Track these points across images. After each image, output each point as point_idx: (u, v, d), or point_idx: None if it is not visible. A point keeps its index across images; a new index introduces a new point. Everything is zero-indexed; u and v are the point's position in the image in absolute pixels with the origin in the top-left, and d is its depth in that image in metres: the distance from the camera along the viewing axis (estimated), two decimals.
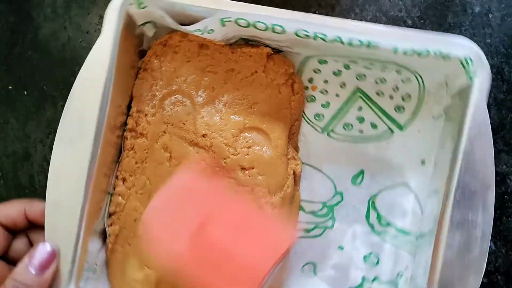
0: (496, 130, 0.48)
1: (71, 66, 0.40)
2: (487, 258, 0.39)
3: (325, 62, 0.46)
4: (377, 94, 0.46)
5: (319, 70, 0.47)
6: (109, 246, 0.45)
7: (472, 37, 0.47)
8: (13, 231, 0.43)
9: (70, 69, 0.39)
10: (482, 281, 0.39)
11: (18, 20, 0.50)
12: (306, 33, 0.40)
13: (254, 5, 0.41)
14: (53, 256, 0.40)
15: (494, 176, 0.39)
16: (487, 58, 0.45)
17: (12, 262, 0.42)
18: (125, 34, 0.43)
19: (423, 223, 0.45)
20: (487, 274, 0.39)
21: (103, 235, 0.46)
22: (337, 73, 0.47)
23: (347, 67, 0.46)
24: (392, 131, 0.46)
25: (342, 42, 0.40)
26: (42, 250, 0.40)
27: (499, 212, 0.47)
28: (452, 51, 0.38)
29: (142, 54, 0.46)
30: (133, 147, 0.45)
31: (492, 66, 0.46)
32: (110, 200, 0.46)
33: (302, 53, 0.46)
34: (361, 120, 0.47)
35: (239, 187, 0.44)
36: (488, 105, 0.46)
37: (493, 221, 0.39)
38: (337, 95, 0.47)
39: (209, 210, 0.40)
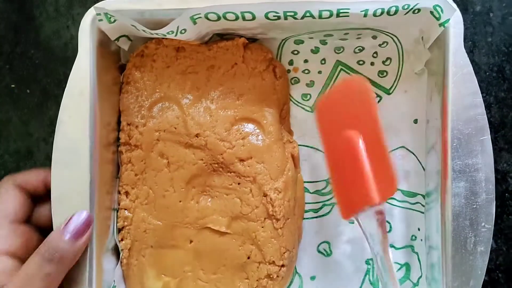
0: (497, 129, 0.48)
1: (73, 64, 0.41)
2: (495, 201, 0.39)
3: (302, 41, 0.47)
4: (358, 63, 0.47)
5: (297, 51, 0.47)
6: (124, 261, 0.46)
7: (473, 35, 0.48)
8: (35, 199, 0.43)
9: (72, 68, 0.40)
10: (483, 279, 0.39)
11: (20, 19, 0.51)
12: (277, 14, 0.40)
13: None
14: (89, 224, 0.40)
15: (487, 119, 0.39)
16: (488, 57, 0.46)
17: (36, 227, 0.43)
18: (101, 52, 0.43)
19: (427, 181, 0.45)
20: (488, 272, 0.39)
21: (117, 252, 0.46)
22: (315, 51, 0.47)
23: (323, 42, 0.46)
24: (380, 97, 0.47)
25: (313, 16, 0.40)
26: (78, 217, 0.40)
27: (499, 210, 0.47)
28: (419, 2, 0.38)
29: (122, 68, 0.47)
30: (130, 160, 0.46)
31: (493, 65, 0.47)
32: (117, 216, 0.46)
33: (277, 37, 0.46)
34: None
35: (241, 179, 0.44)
36: (489, 104, 0.47)
37: (494, 219, 0.39)
38: (319, 72, 0.47)
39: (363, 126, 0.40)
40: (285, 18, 0.40)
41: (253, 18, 0.41)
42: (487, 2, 0.48)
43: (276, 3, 0.39)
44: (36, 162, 0.51)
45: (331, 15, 0.40)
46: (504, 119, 0.48)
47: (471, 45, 0.48)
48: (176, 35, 0.42)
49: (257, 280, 0.45)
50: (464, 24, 0.46)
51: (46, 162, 0.51)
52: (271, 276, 0.45)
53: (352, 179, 0.39)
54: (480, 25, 0.48)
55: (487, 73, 0.48)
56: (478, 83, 0.39)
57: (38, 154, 0.51)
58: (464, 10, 0.48)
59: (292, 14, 0.40)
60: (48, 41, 0.51)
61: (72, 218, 0.40)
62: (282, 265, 0.45)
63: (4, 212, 0.41)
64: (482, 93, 0.45)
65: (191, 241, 0.45)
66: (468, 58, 0.39)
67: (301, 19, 0.40)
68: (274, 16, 0.40)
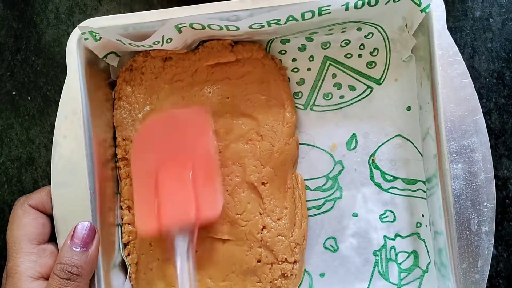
0: (498, 135, 0.47)
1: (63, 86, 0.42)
2: (494, 181, 0.39)
3: (288, 41, 0.47)
4: (346, 56, 0.47)
5: (284, 50, 0.47)
6: (132, 276, 0.46)
7: (472, 41, 0.47)
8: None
9: None
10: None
11: (21, 26, 0.51)
12: (260, 24, 0.40)
13: (202, 4, 0.41)
14: (94, 230, 0.40)
15: (478, 99, 0.39)
16: (488, 63, 0.46)
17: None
18: (90, 70, 0.43)
19: (426, 166, 0.45)
20: (488, 278, 0.39)
21: (124, 267, 0.46)
22: (302, 48, 0.47)
23: (309, 39, 0.47)
24: (371, 88, 0.47)
25: (295, 19, 0.40)
26: (81, 227, 0.40)
27: (500, 217, 0.47)
28: None
29: (113, 85, 0.47)
30: (128, 174, 0.46)
31: (493, 71, 0.47)
32: (121, 231, 0.46)
33: (263, 39, 0.46)
34: (338, 86, 0.47)
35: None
36: (490, 110, 0.47)
37: (495, 226, 0.39)
38: (308, 69, 0.47)
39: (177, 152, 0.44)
40: (269, 26, 0.41)
41: (237, 29, 0.41)
42: (487, 8, 0.47)
43: (258, 16, 0.40)
44: (38, 169, 0.51)
45: (313, 15, 0.40)
46: (505, 126, 0.47)
47: (471, 51, 0.47)
48: (162, 45, 0.42)
49: (270, 282, 0.45)
50: (463, 30, 0.47)
51: (47, 168, 0.51)
52: (286, 274, 0.44)
53: (174, 198, 0.42)
54: (479, 31, 0.47)
55: (487, 79, 0.47)
56: (478, 89, 0.39)
57: (40, 160, 0.51)
58: (463, 16, 0.47)
59: (276, 21, 0.40)
60: (49, 48, 0.51)
61: (76, 228, 0.40)
62: (295, 261, 0.45)
63: (30, 236, 0.41)
64: (482, 99, 0.45)
65: (196, 251, 0.45)
66: (452, 40, 0.39)
67: (285, 24, 0.41)
68: (258, 26, 0.41)
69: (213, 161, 0.43)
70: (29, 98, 0.51)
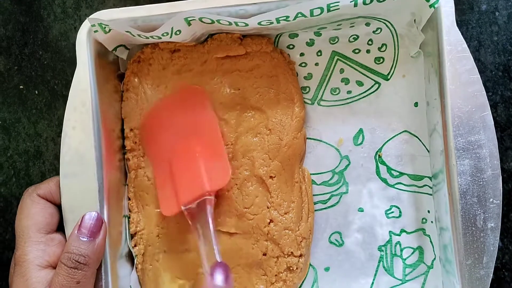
0: (504, 128, 0.47)
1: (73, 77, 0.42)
2: (501, 177, 0.39)
3: (296, 35, 0.47)
4: (354, 52, 0.47)
5: (293, 45, 0.47)
6: (139, 267, 0.46)
7: (479, 35, 0.47)
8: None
9: None
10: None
11: (28, 20, 0.52)
12: (269, 21, 0.41)
13: None
14: (101, 220, 0.41)
15: (486, 96, 0.39)
16: (494, 56, 0.46)
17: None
18: (99, 62, 0.44)
19: (433, 162, 0.45)
20: (494, 270, 0.39)
21: (131, 258, 0.46)
22: (310, 43, 0.47)
23: (318, 34, 0.47)
24: (378, 83, 0.47)
25: (304, 16, 0.40)
26: (89, 217, 0.41)
27: (506, 209, 0.47)
28: None
29: (121, 77, 0.48)
30: (137, 166, 0.46)
31: (499, 64, 0.47)
32: (129, 222, 0.46)
33: (271, 33, 0.47)
34: (346, 81, 0.47)
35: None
36: (496, 103, 0.47)
37: (501, 218, 0.39)
38: (316, 64, 0.47)
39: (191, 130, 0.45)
40: (278, 22, 0.41)
41: (246, 25, 0.41)
42: (493, 1, 0.47)
43: (267, 13, 0.40)
44: (45, 162, 0.52)
45: (322, 11, 0.40)
46: (510, 118, 0.47)
47: (476, 44, 0.47)
48: (171, 37, 0.43)
49: (275, 275, 0.45)
50: (469, 23, 0.47)
51: (54, 161, 0.51)
52: (291, 268, 0.45)
53: (186, 176, 0.44)
54: (485, 24, 0.47)
55: (493, 72, 0.47)
56: (484, 82, 0.39)
57: (47, 154, 0.52)
58: (469, 9, 0.48)
59: (284, 18, 0.40)
60: (56, 42, 0.51)
61: (84, 218, 0.40)
62: (300, 255, 0.45)
63: (38, 225, 0.41)
64: (488, 92, 0.45)
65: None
66: (461, 35, 0.39)
67: (293, 20, 0.41)
68: (266, 22, 0.41)
69: (216, 132, 0.44)
70: (36, 92, 0.52)
